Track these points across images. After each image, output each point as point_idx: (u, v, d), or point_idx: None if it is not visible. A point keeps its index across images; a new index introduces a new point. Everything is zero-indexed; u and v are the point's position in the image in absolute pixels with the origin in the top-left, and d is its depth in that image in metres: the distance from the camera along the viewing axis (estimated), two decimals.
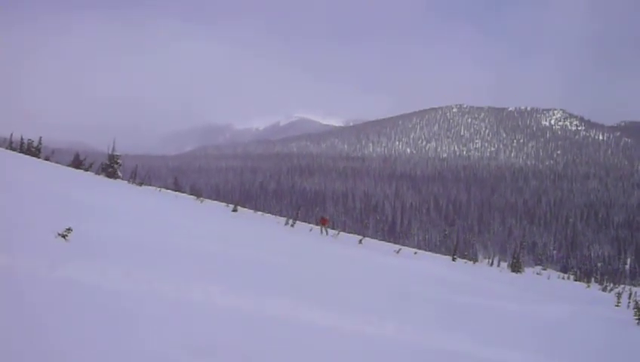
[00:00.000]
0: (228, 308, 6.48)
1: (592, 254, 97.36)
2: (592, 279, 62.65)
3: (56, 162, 26.37)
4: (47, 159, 26.53)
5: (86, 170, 27.11)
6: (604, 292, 38.75)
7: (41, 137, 27.91)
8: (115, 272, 6.28)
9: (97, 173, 26.69)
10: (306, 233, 26.52)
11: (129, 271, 6.48)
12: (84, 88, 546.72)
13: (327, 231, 29.18)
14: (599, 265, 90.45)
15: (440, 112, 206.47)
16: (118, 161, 27.75)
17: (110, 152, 27.59)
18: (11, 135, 28.29)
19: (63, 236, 7.31)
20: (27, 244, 6.56)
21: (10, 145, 27.42)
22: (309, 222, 31.28)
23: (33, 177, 15.68)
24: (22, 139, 27.73)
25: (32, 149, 26.99)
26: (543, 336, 10.37)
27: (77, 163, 27.79)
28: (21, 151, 26.19)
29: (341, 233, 32.31)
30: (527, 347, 8.49)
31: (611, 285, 51.49)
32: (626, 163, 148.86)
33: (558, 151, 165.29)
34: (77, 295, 5.38)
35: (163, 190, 32.16)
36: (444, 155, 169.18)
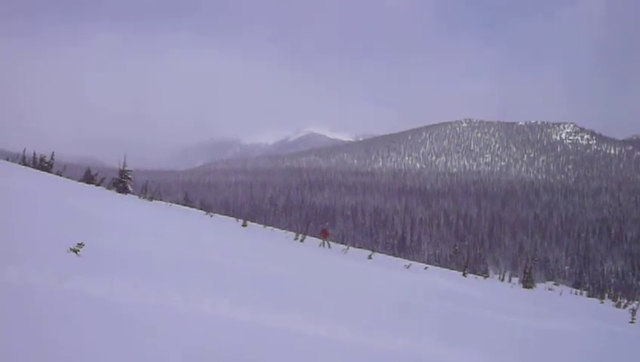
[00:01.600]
0: (236, 320, 6.48)
1: (605, 269, 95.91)
2: (606, 295, 61.65)
3: (68, 177, 26.62)
4: (59, 174, 26.77)
5: (97, 185, 27.27)
6: (618, 309, 38.13)
7: (53, 153, 28.17)
8: (124, 284, 6.31)
9: (108, 188, 26.87)
10: (315, 248, 26.47)
11: (138, 283, 6.51)
12: (95, 104, 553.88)
13: (329, 244, 29.00)
14: (613, 280, 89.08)
15: (450, 127, 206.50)
16: (129, 176, 27.94)
17: (121, 167, 27.79)
18: (24, 150, 28.61)
19: (75, 251, 7.37)
20: (38, 257, 6.62)
21: (23, 161, 27.72)
22: (319, 237, 31.24)
23: (45, 191, 15.85)
24: (34, 154, 28.03)
25: (44, 164, 27.25)
26: (553, 352, 10.23)
27: (88, 178, 28.00)
28: (33, 167, 26.46)
29: (350, 248, 32.16)
30: None
31: (625, 301, 50.62)
32: (639, 177, 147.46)
33: (570, 166, 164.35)
34: (85, 306, 5.40)
35: (173, 205, 32.31)
36: (454, 170, 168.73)
